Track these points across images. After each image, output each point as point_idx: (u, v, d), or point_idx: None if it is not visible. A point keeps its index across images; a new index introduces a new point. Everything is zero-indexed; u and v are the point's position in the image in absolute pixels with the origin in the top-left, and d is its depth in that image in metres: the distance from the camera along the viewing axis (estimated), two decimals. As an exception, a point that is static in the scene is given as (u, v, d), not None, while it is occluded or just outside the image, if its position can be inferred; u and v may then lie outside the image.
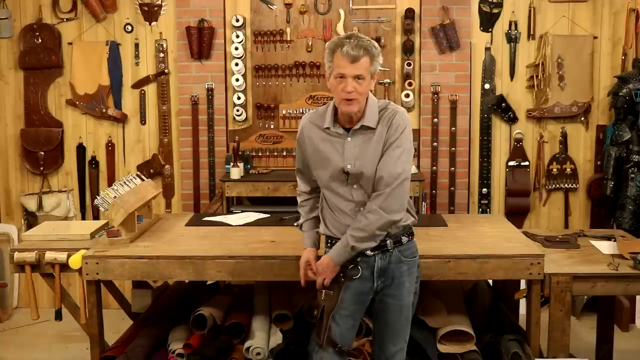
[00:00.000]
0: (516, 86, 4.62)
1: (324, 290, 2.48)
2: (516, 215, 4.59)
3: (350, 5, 4.54)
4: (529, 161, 4.64)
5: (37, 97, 4.70)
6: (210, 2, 4.54)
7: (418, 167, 4.55)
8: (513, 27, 4.55)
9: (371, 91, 2.44)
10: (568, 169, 4.63)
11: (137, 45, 4.66)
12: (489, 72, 4.59)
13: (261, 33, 4.58)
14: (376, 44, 2.38)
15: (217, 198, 4.40)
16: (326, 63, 2.40)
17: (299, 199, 2.68)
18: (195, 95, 4.61)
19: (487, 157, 4.64)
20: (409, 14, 4.48)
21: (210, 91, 4.60)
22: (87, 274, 2.89)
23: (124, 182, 3.23)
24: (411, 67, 4.54)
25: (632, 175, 4.27)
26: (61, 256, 2.97)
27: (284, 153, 4.64)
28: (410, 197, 2.59)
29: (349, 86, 2.32)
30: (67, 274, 3.02)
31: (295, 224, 2.77)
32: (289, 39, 4.58)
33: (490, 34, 4.58)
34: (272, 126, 4.66)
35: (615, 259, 2.99)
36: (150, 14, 4.63)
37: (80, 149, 4.77)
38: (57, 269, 3.00)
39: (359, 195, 2.43)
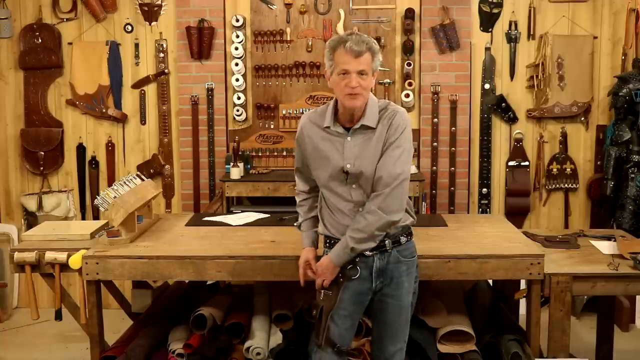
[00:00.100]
0: (516, 86, 4.62)
1: (322, 291, 2.48)
2: (516, 215, 4.59)
3: (350, 5, 4.54)
4: (529, 161, 4.64)
5: (37, 97, 4.70)
6: (210, 2, 4.54)
7: (418, 167, 4.56)
8: (513, 27, 4.55)
9: (371, 91, 2.44)
10: (568, 169, 4.63)
11: (137, 45, 4.66)
12: (489, 72, 4.59)
13: (261, 33, 4.58)
14: (375, 42, 2.39)
15: (217, 198, 4.40)
16: (327, 62, 2.40)
17: (297, 199, 2.68)
18: (195, 95, 4.61)
19: (487, 157, 4.64)
20: (409, 14, 4.48)
21: (210, 91, 4.60)
22: (87, 274, 2.89)
23: (124, 182, 3.23)
24: (411, 67, 4.54)
25: (632, 175, 4.27)
26: (61, 256, 2.97)
27: (284, 153, 4.64)
28: (410, 198, 2.60)
29: (353, 81, 2.32)
30: (67, 274, 3.02)
31: (294, 224, 2.77)
32: (289, 39, 4.58)
33: (490, 34, 4.58)
34: (272, 126, 4.66)
35: (615, 259, 2.99)
36: (150, 14, 4.63)
37: (80, 149, 4.77)
38: (57, 269, 3.00)
39: (357, 195, 2.43)
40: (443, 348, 2.98)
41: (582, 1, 4.51)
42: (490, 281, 3.56)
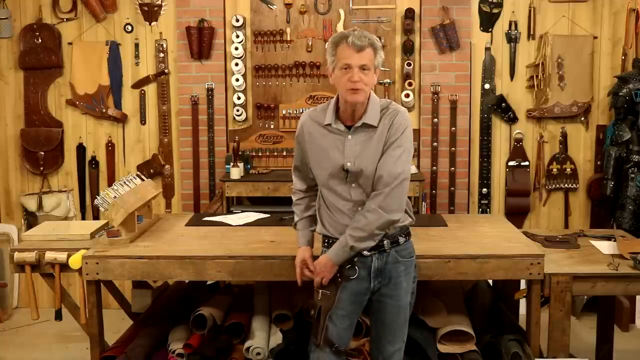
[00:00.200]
0: (516, 86, 4.62)
1: (321, 290, 2.47)
2: (516, 215, 4.59)
3: (350, 5, 4.54)
4: (529, 161, 4.64)
5: (37, 97, 4.70)
6: (210, 2, 4.54)
7: (418, 167, 4.56)
8: (513, 27, 4.55)
9: (372, 90, 2.44)
10: (568, 169, 4.63)
11: (137, 45, 4.66)
12: (489, 72, 4.59)
13: (261, 33, 4.58)
14: (378, 39, 2.39)
15: (217, 198, 4.40)
16: (329, 58, 2.40)
17: (293, 197, 2.67)
18: (195, 95, 4.61)
19: (487, 157, 4.64)
20: (409, 14, 4.48)
21: (210, 91, 4.60)
22: (87, 274, 2.89)
23: (124, 182, 3.23)
24: (411, 67, 4.54)
25: (632, 175, 4.27)
26: (61, 256, 2.97)
27: (284, 153, 4.64)
28: (410, 198, 2.60)
29: (356, 76, 2.32)
30: (67, 274, 3.02)
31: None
32: (289, 39, 4.58)
33: (490, 34, 4.58)
34: (272, 126, 4.66)
35: (615, 259, 2.99)
36: (150, 14, 4.63)
37: (80, 149, 4.77)
38: (57, 269, 3.00)
39: (357, 194, 2.43)
40: (443, 348, 2.98)
41: (582, 1, 4.51)
42: (490, 281, 3.56)
